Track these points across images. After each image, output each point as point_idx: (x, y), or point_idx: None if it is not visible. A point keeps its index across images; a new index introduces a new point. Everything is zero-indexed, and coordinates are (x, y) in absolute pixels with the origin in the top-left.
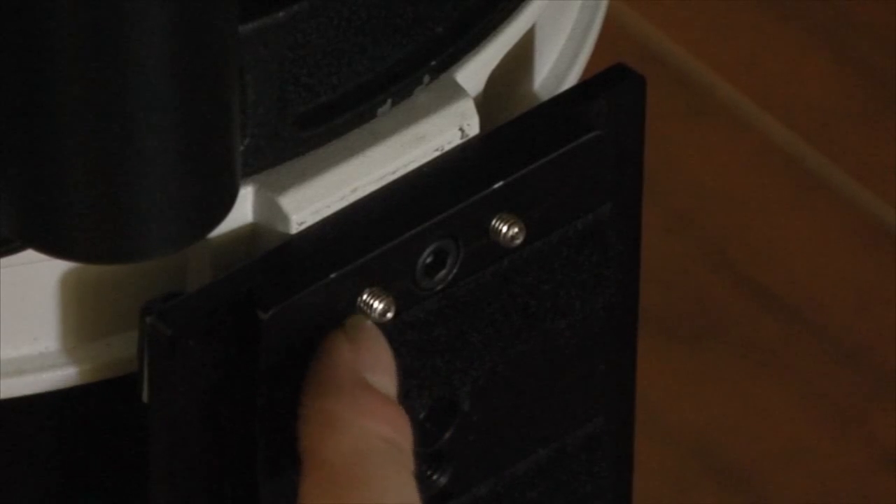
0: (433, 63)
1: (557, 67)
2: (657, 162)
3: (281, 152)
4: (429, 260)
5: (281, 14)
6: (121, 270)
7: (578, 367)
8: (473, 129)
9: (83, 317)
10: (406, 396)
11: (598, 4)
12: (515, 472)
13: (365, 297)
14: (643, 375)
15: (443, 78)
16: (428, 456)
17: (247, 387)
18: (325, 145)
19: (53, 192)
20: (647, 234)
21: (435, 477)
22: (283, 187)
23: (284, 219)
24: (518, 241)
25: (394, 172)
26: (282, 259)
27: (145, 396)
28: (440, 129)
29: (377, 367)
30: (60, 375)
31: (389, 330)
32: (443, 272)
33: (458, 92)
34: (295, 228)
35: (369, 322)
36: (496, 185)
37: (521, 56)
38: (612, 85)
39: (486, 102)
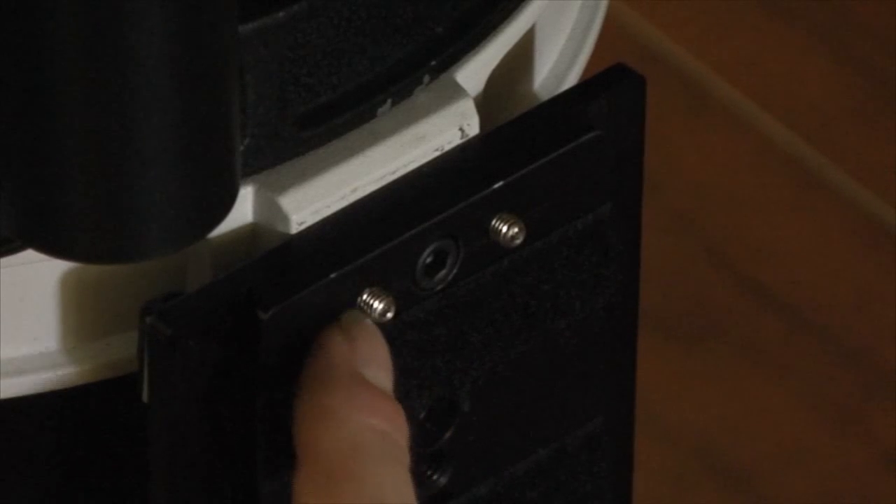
0: (433, 63)
1: (557, 67)
2: (657, 162)
3: (281, 152)
4: (429, 260)
5: (281, 14)
6: (121, 270)
7: (578, 367)
8: (473, 129)
9: (83, 317)
10: (406, 396)
11: (598, 4)
12: (515, 472)
13: (365, 297)
14: (643, 375)
15: (443, 78)
16: (428, 456)
17: (247, 387)
18: (325, 145)
19: (53, 192)
20: (647, 234)
21: (435, 477)
22: (283, 187)
23: (284, 219)
24: (518, 241)
25: (394, 172)
26: (282, 259)
27: (145, 396)
28: (440, 129)
29: (373, 361)
30: (60, 375)
31: (389, 330)
32: (443, 272)
33: (458, 92)
34: (295, 228)
35: (365, 317)
36: (496, 185)
37: (521, 56)
38: (612, 85)
39: (486, 102)
